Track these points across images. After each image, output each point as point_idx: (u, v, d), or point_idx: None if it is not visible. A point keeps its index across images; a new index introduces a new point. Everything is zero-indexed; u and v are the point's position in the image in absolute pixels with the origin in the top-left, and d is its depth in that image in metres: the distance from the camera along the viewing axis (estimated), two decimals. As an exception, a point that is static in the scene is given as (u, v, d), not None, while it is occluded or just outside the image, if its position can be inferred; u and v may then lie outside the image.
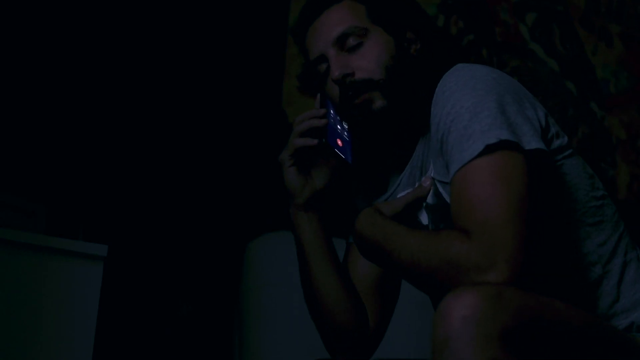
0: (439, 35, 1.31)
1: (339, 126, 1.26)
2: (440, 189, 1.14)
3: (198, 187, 2.04)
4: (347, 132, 1.27)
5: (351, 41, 1.21)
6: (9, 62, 1.86)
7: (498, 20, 2.66)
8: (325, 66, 1.24)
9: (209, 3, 2.15)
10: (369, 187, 1.36)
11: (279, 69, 2.22)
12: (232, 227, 2.04)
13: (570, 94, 2.73)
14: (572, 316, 0.94)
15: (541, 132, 1.08)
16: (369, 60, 1.20)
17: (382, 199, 1.31)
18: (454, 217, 1.02)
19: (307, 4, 1.28)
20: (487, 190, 0.98)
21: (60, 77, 1.93)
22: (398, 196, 1.23)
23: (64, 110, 1.92)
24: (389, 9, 1.25)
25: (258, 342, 1.80)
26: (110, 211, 1.91)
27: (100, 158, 1.93)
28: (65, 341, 1.44)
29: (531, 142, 1.03)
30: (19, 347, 1.40)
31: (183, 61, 2.09)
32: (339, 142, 1.23)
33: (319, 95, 1.26)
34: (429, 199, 1.16)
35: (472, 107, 1.04)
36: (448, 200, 1.11)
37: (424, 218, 1.19)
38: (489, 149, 1.00)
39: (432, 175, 1.16)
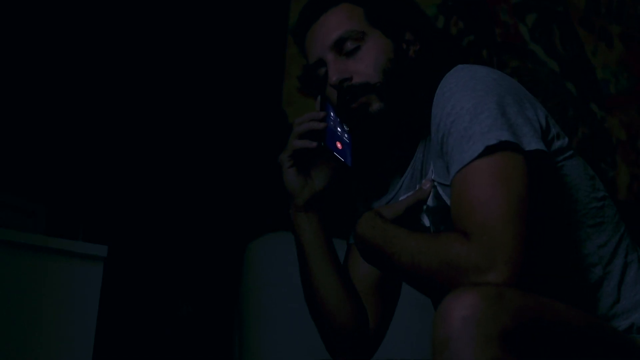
0: (438, 36, 1.31)
1: (339, 128, 1.26)
2: (440, 191, 1.14)
3: (198, 187, 2.04)
4: (347, 134, 1.27)
5: (349, 45, 1.21)
6: (9, 62, 1.86)
7: (498, 20, 2.66)
8: (324, 70, 1.23)
9: (209, 3, 2.15)
10: (370, 189, 1.36)
11: (279, 69, 2.22)
12: (233, 228, 2.04)
13: (570, 95, 2.73)
14: (572, 317, 0.94)
15: (541, 133, 1.08)
16: (366, 64, 1.20)
17: (384, 201, 1.31)
18: (454, 218, 1.02)
19: (305, 7, 1.28)
20: (487, 191, 0.98)
21: (60, 77, 1.93)
22: (400, 199, 1.23)
23: (64, 110, 1.92)
24: (387, 11, 1.24)
25: (258, 342, 1.80)
26: (110, 211, 1.91)
27: (100, 158, 1.93)
28: (65, 341, 1.44)
29: (531, 143, 1.03)
30: (19, 348, 1.40)
31: (183, 61, 2.09)
32: (339, 145, 1.23)
33: (319, 97, 1.26)
34: (430, 202, 1.16)
35: (472, 108, 1.04)
36: (448, 202, 1.11)
37: (427, 220, 1.19)
38: (489, 150, 1.00)
39: (432, 177, 1.16)
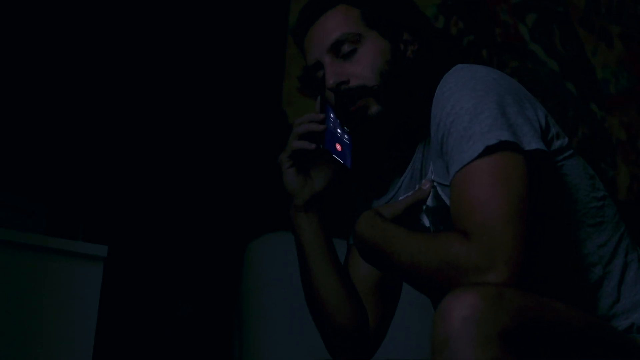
0: (437, 36, 1.31)
1: (338, 130, 1.25)
2: (440, 192, 1.14)
3: (198, 187, 2.04)
4: (347, 135, 1.27)
5: (345, 48, 1.20)
6: (9, 62, 1.86)
7: (498, 20, 2.66)
8: (322, 73, 1.23)
9: (209, 3, 2.15)
10: (369, 190, 1.36)
11: (279, 69, 2.22)
12: (233, 228, 2.04)
13: (570, 95, 2.73)
14: (572, 317, 0.94)
15: (541, 133, 1.08)
16: (363, 67, 1.19)
17: (384, 201, 1.31)
18: (453, 218, 1.02)
19: (303, 9, 1.28)
20: (487, 191, 0.98)
21: (60, 77, 1.93)
22: (399, 199, 1.23)
23: (63, 110, 1.92)
24: (383, 12, 1.24)
25: (258, 343, 1.80)
26: (110, 211, 1.91)
27: (100, 158, 1.93)
28: (65, 341, 1.44)
29: (531, 143, 1.03)
30: (19, 348, 1.40)
31: (183, 61, 2.09)
32: (338, 147, 1.23)
33: (319, 98, 1.26)
34: (429, 202, 1.16)
35: (472, 108, 1.04)
36: (448, 202, 1.11)
37: (427, 221, 1.19)
38: (489, 150, 1.00)
39: (432, 177, 1.16)
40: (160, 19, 2.08)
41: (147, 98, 2.02)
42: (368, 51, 1.20)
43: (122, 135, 1.97)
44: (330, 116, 1.25)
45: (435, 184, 1.15)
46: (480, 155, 1.00)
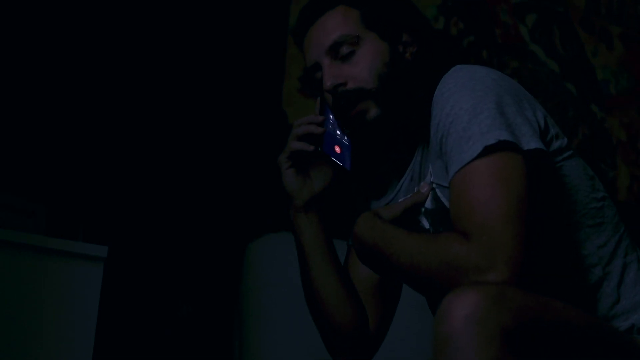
0: (436, 37, 1.31)
1: (338, 131, 1.25)
2: (439, 193, 1.14)
3: (198, 187, 2.04)
4: (346, 136, 1.27)
5: (344, 50, 1.20)
6: (9, 62, 1.86)
7: (498, 21, 2.66)
8: (320, 74, 1.23)
9: (209, 3, 2.15)
10: (369, 191, 1.36)
11: (279, 69, 2.22)
12: (233, 228, 2.04)
13: (570, 95, 2.73)
14: (573, 317, 0.94)
15: (540, 133, 1.08)
16: (360, 69, 1.19)
17: (383, 202, 1.31)
18: (453, 219, 1.02)
19: (302, 10, 1.28)
20: (487, 191, 0.98)
21: (60, 77, 1.93)
22: (398, 201, 1.23)
23: (63, 110, 1.92)
24: (382, 13, 1.23)
25: (258, 343, 1.80)
26: (110, 212, 1.91)
27: (100, 158, 1.93)
28: (65, 342, 1.44)
29: (530, 143, 1.03)
30: (19, 348, 1.40)
31: (183, 61, 2.09)
32: (337, 149, 1.23)
33: (318, 99, 1.26)
34: (428, 204, 1.16)
35: (471, 109, 1.04)
36: (446, 204, 1.11)
37: (426, 223, 1.19)
38: (488, 150, 1.00)
39: (430, 179, 1.16)
40: (160, 19, 2.08)
41: (147, 98, 2.02)
42: (366, 53, 1.20)
43: (122, 136, 1.97)
44: (329, 118, 1.24)
45: (434, 185, 1.15)
46: (479, 156, 1.00)
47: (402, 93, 1.20)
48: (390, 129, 1.21)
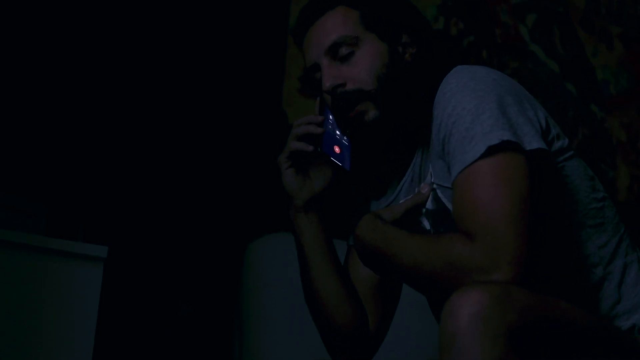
0: (436, 38, 1.31)
1: (337, 131, 1.25)
2: (440, 194, 1.14)
3: (198, 187, 2.04)
4: (346, 137, 1.26)
5: (343, 50, 1.20)
6: (9, 62, 1.86)
7: (498, 21, 2.66)
8: (320, 75, 1.23)
9: (209, 3, 2.15)
10: (369, 192, 1.36)
11: (279, 69, 2.22)
12: (233, 228, 2.04)
13: (570, 95, 2.73)
14: (576, 317, 0.94)
15: (542, 133, 1.08)
16: (359, 70, 1.19)
17: (383, 203, 1.31)
18: (456, 219, 1.02)
19: (302, 10, 1.28)
20: (490, 192, 0.98)
21: (60, 77, 1.93)
22: (399, 202, 1.23)
23: (63, 110, 1.92)
24: (382, 14, 1.23)
25: (258, 343, 1.80)
26: (110, 212, 1.91)
27: (100, 159, 1.93)
28: (65, 342, 1.44)
29: (532, 142, 1.03)
30: (19, 348, 1.40)
31: (183, 61, 2.09)
32: (337, 149, 1.23)
33: (318, 99, 1.26)
34: (429, 205, 1.16)
35: (473, 109, 1.04)
36: (447, 204, 1.12)
37: (427, 223, 1.19)
38: (491, 151, 1.00)
39: (431, 180, 1.16)
40: (160, 19, 2.08)
41: (147, 98, 2.02)
42: (366, 54, 1.20)
43: (122, 136, 1.97)
44: (329, 118, 1.24)
45: (435, 186, 1.15)
46: (482, 156, 1.00)
47: (401, 94, 1.20)
48: (389, 130, 1.21)
